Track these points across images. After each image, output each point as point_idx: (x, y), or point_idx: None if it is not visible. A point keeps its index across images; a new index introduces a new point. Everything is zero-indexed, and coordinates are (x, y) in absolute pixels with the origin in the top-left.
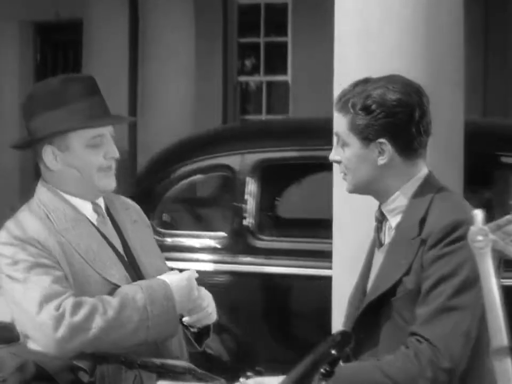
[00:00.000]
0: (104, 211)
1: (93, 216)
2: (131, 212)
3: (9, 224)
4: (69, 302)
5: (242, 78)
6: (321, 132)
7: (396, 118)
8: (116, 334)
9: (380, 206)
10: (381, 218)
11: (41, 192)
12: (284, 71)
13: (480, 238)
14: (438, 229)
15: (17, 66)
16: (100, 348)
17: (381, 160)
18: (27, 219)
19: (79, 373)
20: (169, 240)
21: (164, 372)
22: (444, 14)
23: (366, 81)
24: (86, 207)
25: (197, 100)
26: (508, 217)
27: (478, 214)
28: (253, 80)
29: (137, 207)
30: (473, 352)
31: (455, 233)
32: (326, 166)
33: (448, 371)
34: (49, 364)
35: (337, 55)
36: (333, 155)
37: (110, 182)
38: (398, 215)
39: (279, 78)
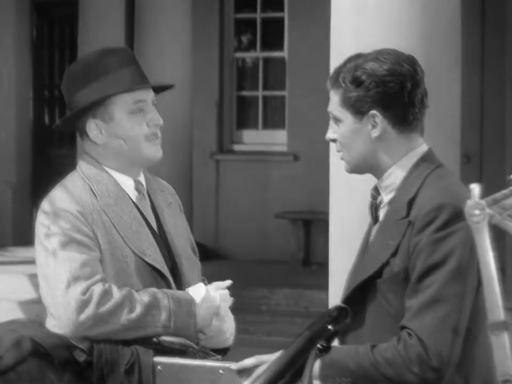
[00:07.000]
0: (145, 190)
1: (133, 194)
2: (166, 194)
3: (53, 194)
4: (97, 289)
5: (239, 54)
6: None
7: (387, 87)
8: (135, 333)
9: (376, 183)
10: (376, 195)
11: (84, 165)
12: (280, 47)
13: (476, 212)
14: (423, 213)
15: (13, 41)
16: (114, 339)
17: (374, 133)
18: (71, 190)
19: (75, 352)
20: None
21: (161, 348)
22: None
23: (358, 56)
24: (128, 184)
25: (193, 76)
26: (504, 191)
27: (475, 188)
28: (249, 56)
29: (172, 189)
30: (465, 341)
31: (440, 218)
32: None
33: (436, 370)
34: (46, 340)
35: (334, 30)
36: (329, 134)
37: (157, 151)
38: (391, 193)
39: (276, 54)
